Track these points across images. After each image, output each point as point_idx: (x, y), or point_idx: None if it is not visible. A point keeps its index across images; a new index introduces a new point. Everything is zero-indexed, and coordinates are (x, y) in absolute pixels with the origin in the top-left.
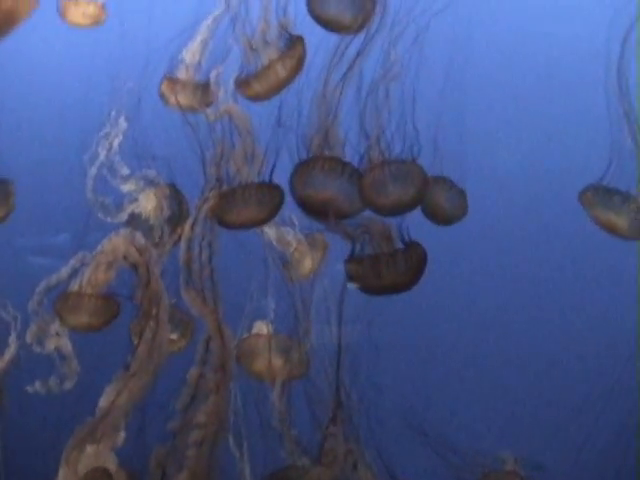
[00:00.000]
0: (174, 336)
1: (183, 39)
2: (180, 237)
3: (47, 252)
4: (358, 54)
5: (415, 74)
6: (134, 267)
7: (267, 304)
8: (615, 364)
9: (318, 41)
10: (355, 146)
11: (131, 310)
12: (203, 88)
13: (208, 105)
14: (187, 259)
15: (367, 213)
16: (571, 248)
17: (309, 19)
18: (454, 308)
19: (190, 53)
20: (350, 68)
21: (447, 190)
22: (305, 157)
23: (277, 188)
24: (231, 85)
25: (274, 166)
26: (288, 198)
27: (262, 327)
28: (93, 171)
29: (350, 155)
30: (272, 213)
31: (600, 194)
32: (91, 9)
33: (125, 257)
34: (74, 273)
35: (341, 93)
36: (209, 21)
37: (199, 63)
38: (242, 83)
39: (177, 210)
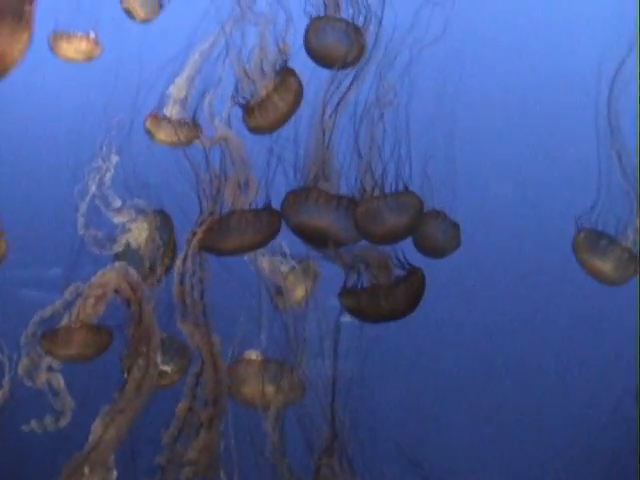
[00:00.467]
0: (167, 368)
1: (174, 72)
2: (169, 268)
3: (39, 285)
4: (351, 84)
5: (406, 105)
6: (126, 302)
7: (259, 333)
8: (612, 396)
9: (312, 70)
10: (348, 173)
11: (124, 338)
12: (188, 124)
13: (193, 141)
14: (181, 293)
15: (363, 242)
16: (565, 281)
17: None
18: (449, 338)
19: (177, 89)
20: (343, 97)
21: (440, 223)
22: (299, 186)
23: (274, 213)
24: (225, 112)
25: (268, 193)
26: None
27: (253, 356)
28: (84, 205)
29: (344, 183)
30: (268, 238)
31: (588, 239)
32: (83, 45)
33: (117, 291)
34: (68, 305)
35: (335, 122)
36: (196, 56)
37: (186, 98)
38: (248, 114)
39: (167, 241)
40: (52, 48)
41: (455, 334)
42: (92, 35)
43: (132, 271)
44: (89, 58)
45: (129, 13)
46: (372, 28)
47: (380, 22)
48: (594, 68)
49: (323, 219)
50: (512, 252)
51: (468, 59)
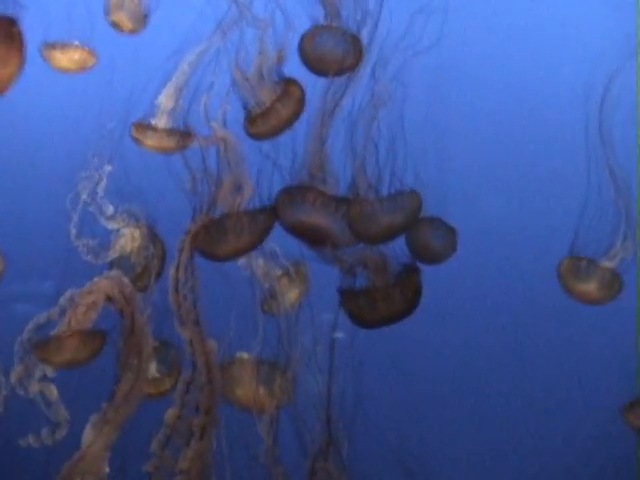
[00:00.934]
0: (159, 375)
1: (167, 80)
2: (160, 274)
3: (33, 300)
4: (346, 88)
5: (400, 110)
6: (120, 312)
7: (251, 336)
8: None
9: (308, 73)
10: (344, 175)
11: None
12: (176, 132)
13: (183, 148)
14: (176, 299)
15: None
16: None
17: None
18: (445, 345)
19: (165, 98)
20: (340, 100)
21: (436, 229)
22: (293, 184)
23: (267, 210)
24: (221, 115)
25: (262, 195)
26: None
27: (244, 356)
28: (76, 215)
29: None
30: (263, 238)
31: (570, 264)
32: (77, 55)
33: (110, 299)
34: (63, 312)
35: (330, 125)
36: (184, 66)
37: (175, 107)
38: (250, 122)
39: (155, 247)
40: (46, 58)
41: (450, 341)
42: (86, 45)
43: (126, 281)
44: (83, 68)
45: (116, 26)
46: (367, 33)
47: (375, 27)
48: (587, 77)
49: (321, 219)
50: (505, 257)
51: (460, 68)
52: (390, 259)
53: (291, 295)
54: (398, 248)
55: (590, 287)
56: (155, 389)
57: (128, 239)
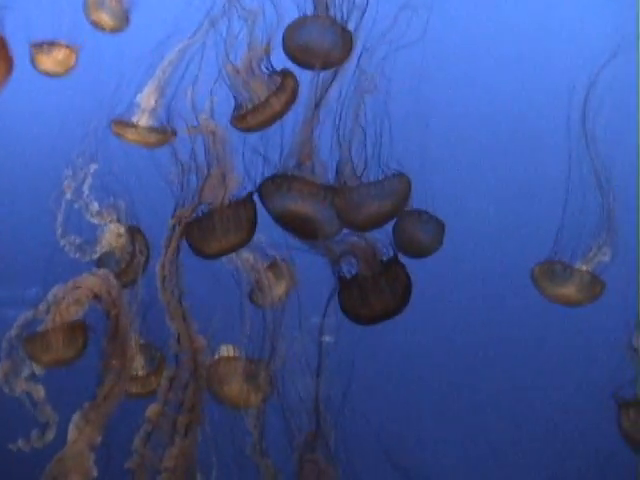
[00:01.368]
0: (142, 372)
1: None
2: (144, 269)
3: (19, 304)
4: (334, 79)
5: (383, 104)
6: (106, 313)
7: (237, 329)
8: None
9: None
10: (330, 164)
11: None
12: (156, 129)
13: (164, 143)
14: (165, 295)
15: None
16: None
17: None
18: (433, 340)
19: (145, 96)
20: (327, 90)
21: (424, 222)
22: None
23: (250, 202)
24: (207, 106)
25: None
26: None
27: (229, 351)
28: (61, 213)
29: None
30: (250, 233)
31: (544, 269)
32: (61, 55)
33: (97, 297)
34: (50, 308)
35: (317, 114)
36: (165, 64)
37: (156, 105)
38: (238, 118)
39: (139, 242)
40: (33, 62)
41: (439, 337)
42: (69, 44)
43: (114, 281)
44: (67, 69)
45: (97, 25)
46: (354, 25)
47: (361, 19)
48: (571, 73)
49: (307, 207)
50: (490, 251)
51: (444, 64)
52: (379, 248)
53: (278, 288)
54: (386, 237)
55: (569, 290)
56: (142, 388)
57: (113, 235)
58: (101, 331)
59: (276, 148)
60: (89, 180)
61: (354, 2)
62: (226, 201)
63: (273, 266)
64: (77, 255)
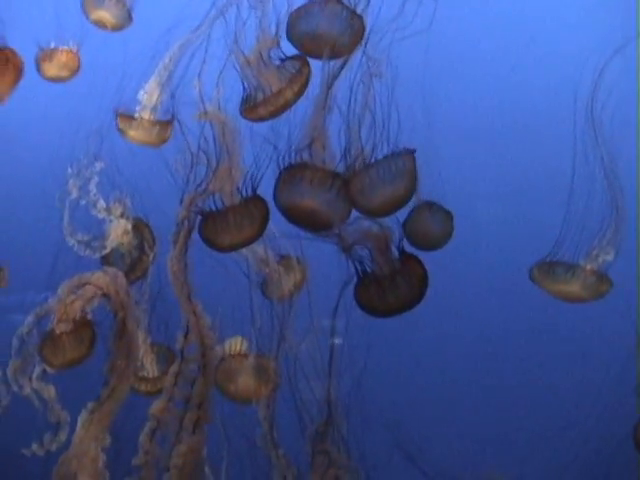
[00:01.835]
0: (153, 373)
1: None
2: (150, 264)
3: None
4: (343, 67)
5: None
6: (114, 313)
7: (246, 322)
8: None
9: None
10: (340, 151)
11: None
12: (160, 125)
13: (164, 141)
14: (177, 291)
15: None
16: None
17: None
18: (445, 333)
19: (148, 91)
20: (336, 78)
21: (433, 213)
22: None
23: (260, 200)
24: (215, 97)
25: (258, 177)
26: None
27: (237, 343)
28: (67, 212)
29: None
30: (262, 228)
31: (544, 270)
32: (64, 57)
33: (106, 296)
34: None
35: (327, 104)
36: (166, 60)
37: (158, 100)
38: (249, 109)
39: (146, 237)
40: (38, 70)
41: (451, 328)
42: (69, 46)
43: (123, 282)
44: (73, 71)
45: (99, 24)
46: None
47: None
48: (578, 63)
49: (315, 201)
50: (499, 244)
51: (450, 55)
52: (391, 236)
53: (289, 282)
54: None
55: (573, 288)
56: (153, 387)
57: (121, 231)
58: (109, 330)
59: (285, 137)
60: (95, 179)
61: None
62: (236, 193)
63: (284, 260)
64: (86, 252)
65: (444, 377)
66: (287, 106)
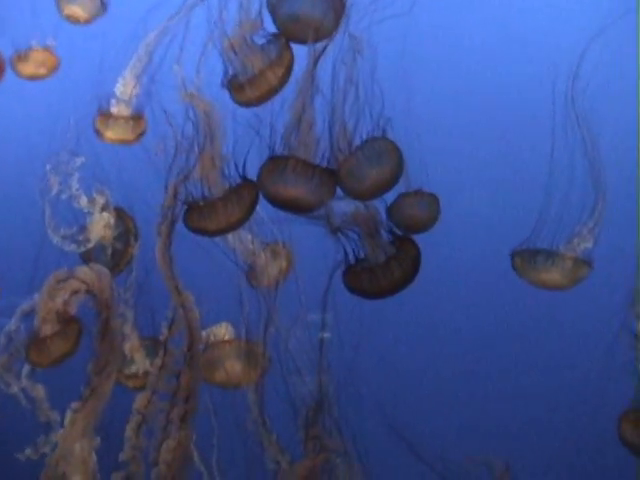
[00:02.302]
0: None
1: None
2: (132, 257)
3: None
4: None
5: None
6: (97, 311)
7: (233, 309)
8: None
9: None
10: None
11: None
12: (134, 119)
13: (140, 135)
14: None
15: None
16: None
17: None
18: (436, 316)
19: (122, 87)
20: (316, 64)
21: (419, 199)
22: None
23: (251, 183)
24: (196, 82)
25: (243, 163)
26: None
27: (223, 328)
28: (49, 209)
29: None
30: (250, 212)
31: (525, 257)
32: (41, 56)
33: (89, 292)
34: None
35: (312, 85)
36: (141, 52)
37: (130, 98)
38: (236, 88)
39: (130, 228)
40: (14, 70)
41: (443, 310)
42: (44, 44)
43: (108, 280)
44: (50, 69)
45: (71, 19)
46: None
47: None
48: (559, 46)
49: (298, 188)
50: (485, 229)
51: (430, 38)
52: (379, 218)
53: (274, 268)
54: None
55: (553, 275)
56: (143, 382)
57: (103, 223)
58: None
59: (268, 122)
60: (76, 174)
61: None
62: (221, 178)
63: (269, 246)
64: (71, 247)
65: (435, 360)
66: (273, 91)
